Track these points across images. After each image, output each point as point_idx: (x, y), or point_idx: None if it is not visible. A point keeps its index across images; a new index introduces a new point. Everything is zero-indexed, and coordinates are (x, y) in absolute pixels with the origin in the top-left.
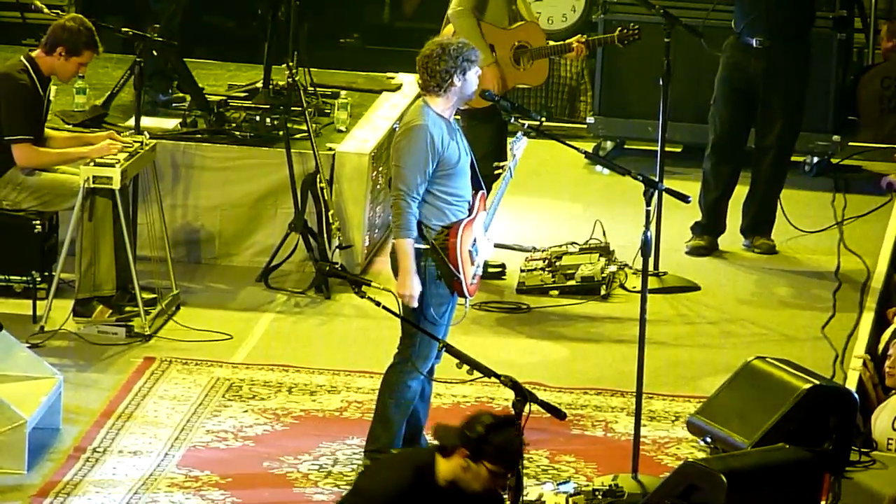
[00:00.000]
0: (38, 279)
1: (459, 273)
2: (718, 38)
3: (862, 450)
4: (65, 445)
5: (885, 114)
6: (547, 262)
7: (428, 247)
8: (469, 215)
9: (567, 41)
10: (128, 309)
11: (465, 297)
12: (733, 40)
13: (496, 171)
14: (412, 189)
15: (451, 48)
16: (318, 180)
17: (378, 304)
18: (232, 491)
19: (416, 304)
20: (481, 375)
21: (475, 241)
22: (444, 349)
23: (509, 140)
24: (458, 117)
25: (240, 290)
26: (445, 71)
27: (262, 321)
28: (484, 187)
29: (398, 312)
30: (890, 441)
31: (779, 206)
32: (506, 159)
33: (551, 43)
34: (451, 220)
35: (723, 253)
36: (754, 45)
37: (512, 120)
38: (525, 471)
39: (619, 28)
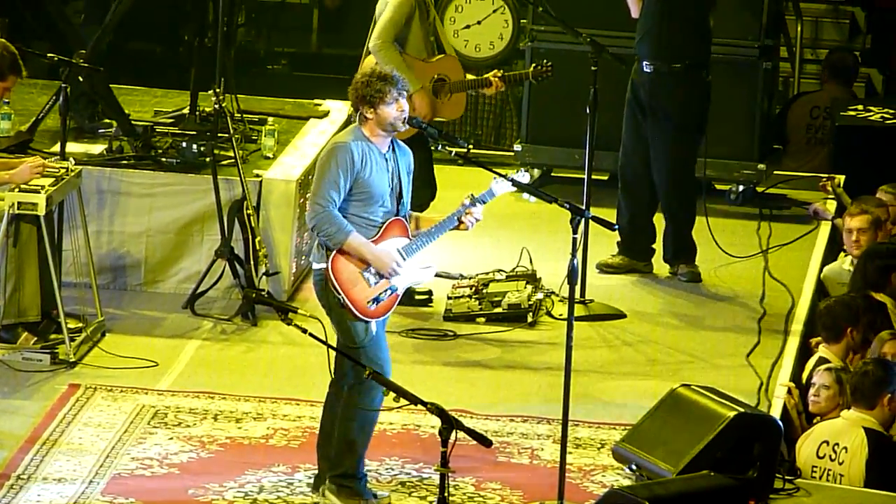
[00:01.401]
0: None
1: (341, 296)
2: None
3: (786, 477)
4: None
5: (811, 143)
6: (474, 289)
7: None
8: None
9: (484, 76)
10: (53, 335)
11: (362, 320)
12: (636, 63)
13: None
14: (329, 201)
15: (363, 80)
16: (244, 207)
17: (304, 331)
18: None
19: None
20: (408, 403)
21: (370, 265)
22: (370, 376)
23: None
24: None
25: (166, 317)
26: (354, 102)
27: (188, 348)
28: (407, 216)
29: (324, 340)
30: (814, 469)
31: (709, 233)
32: (434, 187)
33: (469, 77)
34: None
35: (648, 280)
36: (644, 69)
37: (439, 147)
38: (451, 498)
39: (534, 65)
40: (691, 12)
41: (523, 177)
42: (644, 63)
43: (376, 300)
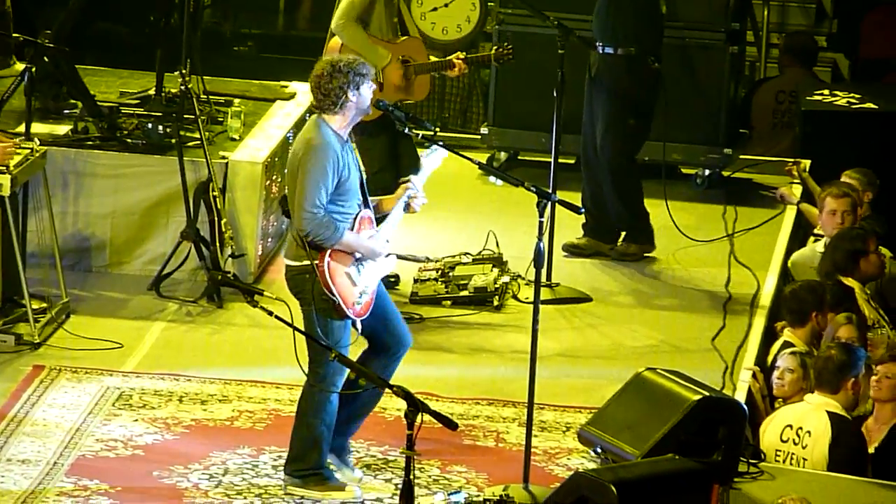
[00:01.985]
0: None
1: (335, 296)
2: None
3: (750, 461)
4: None
5: (777, 128)
6: (440, 272)
7: (309, 264)
8: None
9: (448, 58)
10: (17, 316)
11: (350, 319)
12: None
13: (402, 185)
14: (318, 207)
15: (342, 64)
16: (210, 189)
17: (270, 313)
18: (121, 500)
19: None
20: (373, 386)
21: (357, 261)
22: (336, 359)
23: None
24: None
25: (131, 299)
26: (339, 88)
27: (154, 330)
28: (371, 207)
29: (290, 322)
30: (778, 452)
31: (669, 217)
32: (400, 168)
33: (433, 59)
34: None
35: (615, 264)
36: (598, 49)
37: (406, 130)
38: (416, 481)
39: (496, 47)
40: None
41: (439, 153)
42: (597, 45)
43: (360, 297)
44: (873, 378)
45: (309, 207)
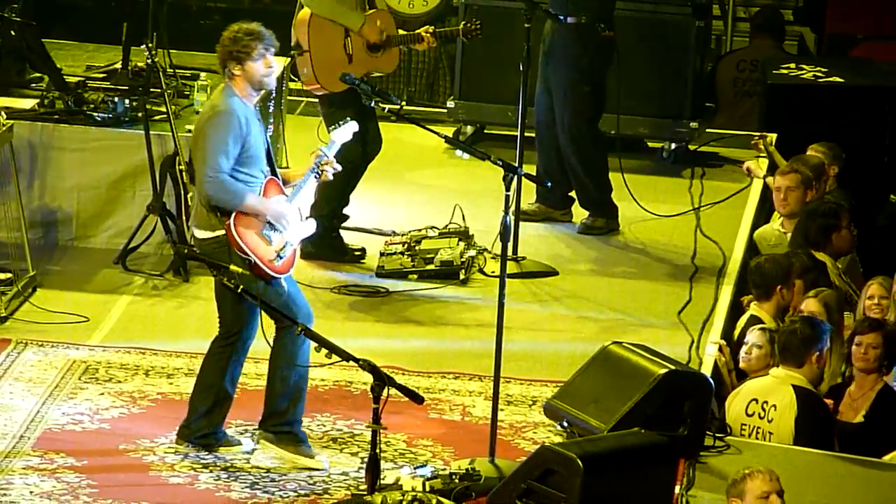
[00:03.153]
0: None
1: (250, 255)
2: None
3: (717, 435)
4: None
5: (738, 97)
6: (406, 245)
7: (222, 234)
8: None
9: (416, 31)
10: None
11: (272, 276)
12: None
13: (312, 154)
14: (219, 171)
15: (227, 37)
16: (177, 162)
17: (236, 287)
18: (88, 474)
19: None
20: (340, 359)
21: (268, 223)
22: (302, 332)
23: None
24: (318, 104)
25: (97, 273)
26: (221, 59)
27: (120, 303)
28: (278, 175)
29: (256, 296)
30: (744, 426)
31: (626, 189)
32: (366, 142)
33: (401, 32)
34: None
35: (581, 238)
36: (560, 19)
37: (373, 104)
38: (382, 454)
39: (464, 22)
40: None
41: (349, 127)
42: (555, 13)
43: (279, 256)
44: (857, 348)
45: (210, 172)
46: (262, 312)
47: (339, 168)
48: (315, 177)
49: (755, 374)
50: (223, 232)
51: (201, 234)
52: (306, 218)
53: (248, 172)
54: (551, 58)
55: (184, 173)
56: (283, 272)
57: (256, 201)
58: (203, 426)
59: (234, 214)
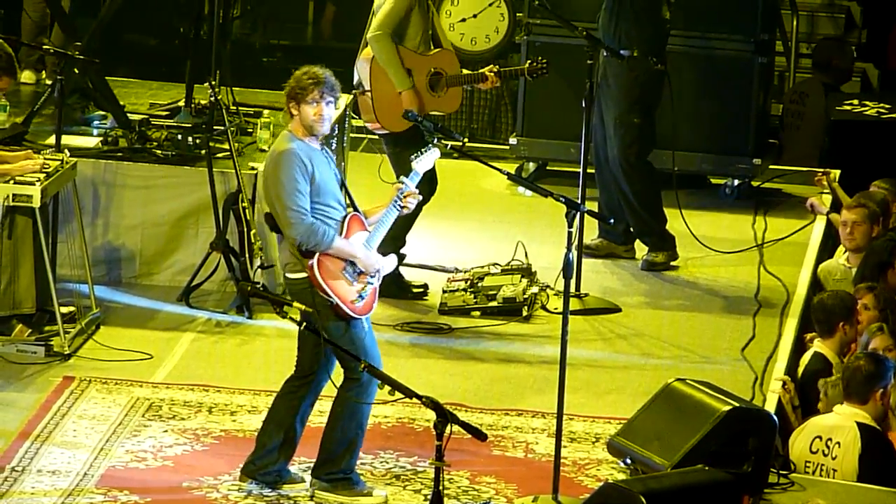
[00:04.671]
0: None
1: (332, 297)
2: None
3: (780, 472)
4: None
5: (790, 129)
6: (469, 282)
7: (307, 276)
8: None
9: (480, 71)
10: (47, 328)
11: (353, 319)
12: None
13: (394, 186)
14: (303, 212)
15: (296, 76)
16: (240, 199)
17: (300, 324)
18: None
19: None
20: (403, 396)
21: (350, 262)
22: (365, 369)
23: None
24: (382, 143)
25: (160, 310)
26: (285, 96)
27: (183, 340)
28: (358, 210)
29: (320, 332)
30: (808, 464)
31: (685, 226)
32: (434, 180)
33: (465, 72)
34: None
35: (645, 275)
36: (602, 54)
37: (435, 141)
38: (446, 492)
39: (529, 61)
40: (642, 2)
41: (433, 152)
42: (603, 50)
43: (360, 297)
44: None
45: (292, 214)
46: None
47: (421, 198)
48: (397, 209)
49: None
50: (305, 274)
51: (291, 275)
52: (387, 256)
53: (325, 210)
54: (603, 91)
55: (247, 210)
56: (363, 313)
57: (344, 245)
58: (268, 463)
59: (316, 255)
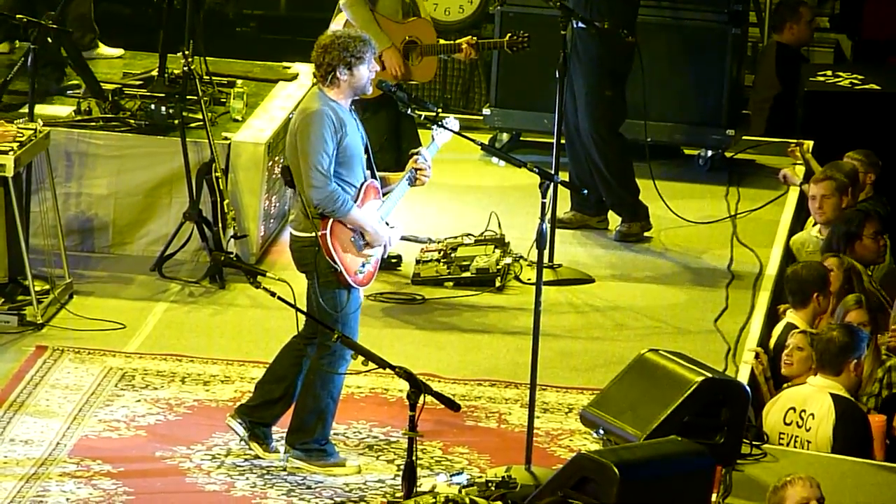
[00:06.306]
0: None
1: (338, 264)
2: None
3: (753, 443)
4: None
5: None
6: (442, 253)
7: (313, 236)
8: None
9: (457, 41)
10: (20, 297)
11: (353, 288)
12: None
13: (411, 159)
14: (326, 175)
15: (338, 42)
16: (213, 169)
17: (273, 294)
18: (124, 480)
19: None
20: (376, 366)
21: (358, 233)
22: (338, 340)
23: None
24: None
25: (133, 279)
26: (329, 64)
27: (156, 310)
28: (377, 177)
29: (293, 303)
30: (782, 435)
31: (658, 196)
32: (401, 148)
33: (441, 41)
34: None
35: (618, 246)
36: (573, 25)
37: (409, 111)
38: (418, 462)
39: (510, 34)
40: None
41: (453, 123)
42: (572, 21)
43: (363, 266)
44: None
45: (316, 175)
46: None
47: (431, 176)
48: (411, 182)
49: (797, 378)
50: (314, 234)
51: (295, 232)
52: (392, 227)
53: (344, 177)
54: (573, 63)
55: (220, 180)
56: (363, 284)
57: (359, 215)
58: (267, 416)
59: (330, 221)
